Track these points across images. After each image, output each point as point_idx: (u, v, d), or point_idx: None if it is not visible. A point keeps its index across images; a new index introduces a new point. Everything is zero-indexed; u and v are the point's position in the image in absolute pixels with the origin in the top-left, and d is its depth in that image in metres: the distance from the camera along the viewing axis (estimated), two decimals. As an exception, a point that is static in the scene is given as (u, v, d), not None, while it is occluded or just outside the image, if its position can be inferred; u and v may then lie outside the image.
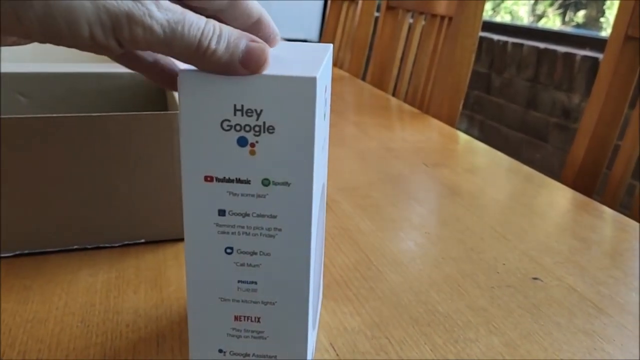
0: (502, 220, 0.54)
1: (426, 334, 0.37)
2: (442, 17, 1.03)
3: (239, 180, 0.26)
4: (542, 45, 1.69)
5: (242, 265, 0.28)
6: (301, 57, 0.29)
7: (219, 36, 0.24)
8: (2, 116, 0.40)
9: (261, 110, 0.25)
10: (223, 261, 0.28)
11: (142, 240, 0.46)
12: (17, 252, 0.43)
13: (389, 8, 1.25)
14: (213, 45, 0.24)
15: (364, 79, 1.49)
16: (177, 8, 0.23)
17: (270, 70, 0.25)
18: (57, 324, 0.36)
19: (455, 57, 0.91)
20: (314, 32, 3.14)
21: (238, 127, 0.25)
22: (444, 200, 0.59)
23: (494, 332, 0.37)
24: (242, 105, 0.25)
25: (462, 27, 0.91)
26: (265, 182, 0.26)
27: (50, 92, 0.57)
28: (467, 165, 0.70)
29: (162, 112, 0.44)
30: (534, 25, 2.20)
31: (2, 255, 0.43)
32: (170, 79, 0.30)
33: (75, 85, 0.57)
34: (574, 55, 1.55)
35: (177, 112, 0.44)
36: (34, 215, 0.43)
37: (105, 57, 0.75)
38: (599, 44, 1.61)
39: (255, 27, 0.28)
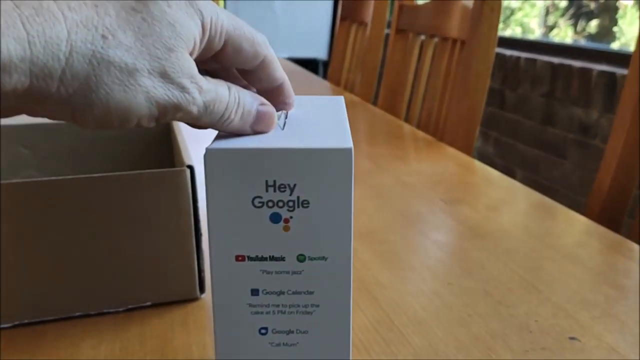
0: (530, 266, 0.51)
1: (457, 411, 0.34)
2: (454, 40, 1.01)
3: (272, 258, 0.25)
4: (556, 60, 1.66)
5: (278, 345, 0.27)
6: (323, 119, 0.28)
7: (238, 105, 0.25)
8: (2, 181, 0.38)
9: (294, 185, 0.24)
10: (257, 342, 0.26)
11: (149, 303, 0.44)
12: (16, 323, 0.41)
13: (399, 31, 1.23)
14: (232, 116, 0.25)
15: (375, 102, 1.47)
16: (212, 85, 0.24)
17: (301, 140, 0.24)
18: (56, 410, 0.33)
19: (470, 83, 0.89)
20: (322, 51, 3.13)
21: (270, 204, 0.24)
22: (466, 243, 0.55)
23: (531, 406, 0.34)
24: (275, 181, 0.24)
25: (475, 52, 0.88)
26: (301, 258, 0.25)
27: (53, 143, 0.55)
28: (488, 201, 0.67)
29: (167, 170, 0.41)
30: (545, 40, 2.17)
31: (1, 326, 0.41)
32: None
33: (79, 134, 0.55)
34: (590, 70, 1.52)
35: (182, 168, 0.42)
36: (34, 281, 0.40)
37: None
38: (615, 57, 1.57)
39: (276, 91, 0.28)
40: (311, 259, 0.25)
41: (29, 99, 0.20)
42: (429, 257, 0.52)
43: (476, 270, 0.50)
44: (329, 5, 3.02)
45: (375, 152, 0.85)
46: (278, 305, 0.26)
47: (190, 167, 0.42)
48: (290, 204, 0.24)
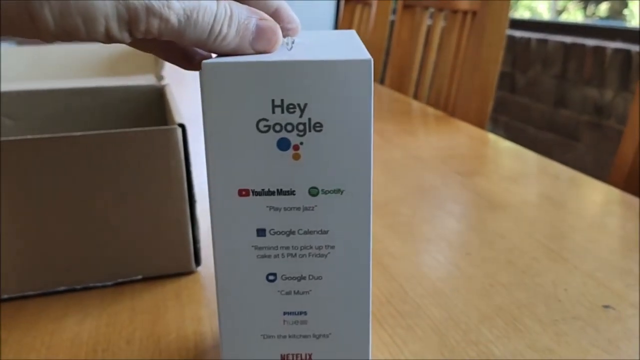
0: (555, 235, 0.47)
1: (482, 386, 0.30)
2: (465, 13, 0.96)
3: (280, 192, 0.22)
4: (568, 39, 1.61)
5: (288, 293, 0.23)
6: (335, 42, 0.24)
7: (230, 18, 0.21)
8: (-32, 141, 0.34)
9: (305, 105, 0.21)
10: (265, 291, 0.23)
11: (139, 277, 0.40)
12: (-6, 298, 0.37)
13: (406, 7, 1.18)
14: (225, 29, 0.21)
15: (382, 82, 1.42)
16: None
17: (313, 54, 0.21)
18: (32, 389, 0.30)
19: (482, 55, 0.84)
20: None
21: (278, 127, 0.21)
22: (485, 214, 0.51)
23: (566, 380, 0.30)
24: (282, 100, 0.21)
25: (488, 22, 0.84)
26: (313, 192, 0.22)
27: (38, 111, 0.51)
28: (505, 172, 0.62)
29: (157, 128, 0.37)
30: (555, 20, 2.12)
31: (-23, 302, 0.37)
32: (186, 55, 0.27)
33: (66, 102, 0.52)
34: (603, 48, 1.46)
35: (173, 126, 0.38)
36: (13, 253, 0.37)
37: (98, 72, 0.69)
38: (630, 34, 1.52)
39: (273, 17, 0.24)
40: (325, 192, 0.22)
41: None
42: (445, 229, 0.48)
43: (497, 241, 0.46)
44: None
45: (384, 127, 0.81)
46: (288, 248, 0.23)
47: (182, 126, 0.38)
48: (301, 127, 0.21)
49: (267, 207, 0.22)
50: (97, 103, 0.52)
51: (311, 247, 0.23)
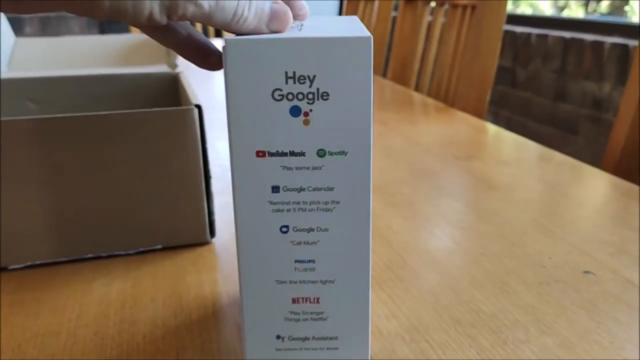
0: (545, 212, 0.50)
1: (471, 335, 0.33)
2: (464, 7, 1.00)
3: (292, 153, 0.25)
4: (567, 34, 1.63)
5: (299, 243, 0.26)
6: (339, 25, 0.27)
7: (250, 3, 0.24)
8: (7, 118, 0.38)
9: (314, 76, 0.24)
10: (278, 241, 0.26)
11: (159, 247, 0.43)
12: (28, 264, 0.41)
13: (408, 2, 1.22)
14: (246, 13, 0.24)
15: (384, 75, 1.46)
16: None
17: (320, 33, 0.24)
18: (69, 338, 0.33)
19: (481, 47, 0.87)
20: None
21: (290, 96, 0.24)
22: (480, 194, 0.55)
23: (546, 331, 0.34)
24: (294, 72, 0.24)
25: (486, 14, 0.87)
26: (321, 153, 0.25)
27: (60, 96, 0.55)
28: (501, 157, 0.66)
29: (176, 108, 0.41)
30: (556, 15, 2.14)
31: (12, 267, 0.41)
32: (202, 53, 0.30)
33: (85, 88, 0.55)
34: (602, 43, 1.49)
35: (190, 107, 0.42)
36: (45, 224, 0.40)
37: (111, 63, 0.73)
38: (628, 30, 1.55)
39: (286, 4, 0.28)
40: (331, 154, 0.25)
41: None
42: (442, 206, 0.52)
43: (490, 217, 0.49)
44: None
45: (386, 116, 0.85)
46: (299, 203, 0.26)
47: (198, 106, 0.42)
48: (310, 96, 0.24)
49: (281, 166, 0.25)
50: (115, 89, 0.56)
51: (319, 203, 0.26)
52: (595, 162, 1.48)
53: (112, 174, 0.41)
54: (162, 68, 0.58)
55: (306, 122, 0.24)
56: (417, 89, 1.16)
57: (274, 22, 0.25)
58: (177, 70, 0.56)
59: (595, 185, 0.57)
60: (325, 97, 0.24)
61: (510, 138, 0.75)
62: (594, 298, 0.37)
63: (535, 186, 0.56)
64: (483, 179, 0.59)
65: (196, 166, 0.42)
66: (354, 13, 1.56)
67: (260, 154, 0.25)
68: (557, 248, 0.44)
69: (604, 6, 2.22)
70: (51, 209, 0.40)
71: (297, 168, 0.25)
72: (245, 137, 0.25)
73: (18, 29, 2.63)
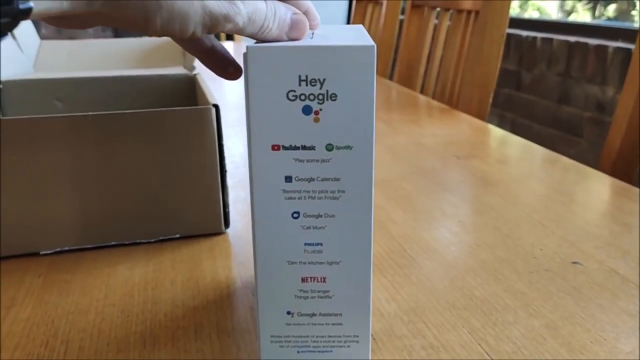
0: (539, 208, 0.53)
1: (463, 317, 0.36)
2: (469, 12, 1.03)
3: (304, 147, 0.28)
4: (572, 38, 1.66)
5: (309, 228, 0.29)
6: (347, 34, 0.31)
7: (274, 15, 0.28)
8: (40, 116, 0.41)
9: (324, 79, 0.27)
10: (290, 225, 0.29)
11: (177, 236, 0.47)
12: (57, 249, 0.44)
13: (415, 6, 1.25)
14: (270, 24, 0.28)
15: (391, 78, 1.49)
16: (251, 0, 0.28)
17: (330, 42, 0.27)
18: (97, 315, 0.37)
19: (484, 51, 0.90)
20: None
21: (303, 97, 0.27)
22: (477, 190, 0.58)
23: (533, 314, 0.37)
24: (307, 76, 0.27)
25: (489, 19, 0.90)
26: (329, 147, 0.28)
27: (85, 96, 0.58)
28: (500, 156, 0.69)
29: (194, 107, 0.44)
30: (563, 19, 2.17)
31: (44, 252, 0.44)
32: (222, 63, 0.34)
33: (109, 88, 0.59)
34: (606, 47, 1.52)
35: (208, 106, 0.45)
36: (73, 213, 0.44)
37: (131, 65, 0.76)
38: (632, 35, 1.57)
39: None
40: (338, 148, 0.28)
41: (113, 5, 0.24)
42: (441, 201, 0.55)
43: (486, 211, 0.53)
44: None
45: (391, 117, 0.88)
46: (309, 191, 0.29)
47: (216, 106, 0.45)
48: (320, 97, 0.27)
49: (294, 159, 0.28)
50: (135, 89, 0.59)
51: (326, 191, 0.29)
52: (599, 164, 1.51)
53: (135, 168, 0.44)
54: (179, 70, 0.61)
55: (316, 120, 0.28)
56: (423, 91, 1.19)
57: (294, 31, 0.29)
58: (194, 72, 0.60)
59: (590, 183, 0.60)
60: (333, 98, 0.27)
61: (510, 139, 0.78)
62: (580, 286, 0.40)
63: (531, 184, 0.59)
64: (482, 176, 0.62)
65: (213, 161, 0.46)
66: (363, 16, 1.59)
67: (276, 147, 0.28)
68: (548, 240, 0.47)
69: (611, 11, 2.24)
70: (78, 200, 0.44)
71: (307, 160, 0.28)
72: (263, 132, 0.28)
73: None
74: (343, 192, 0.29)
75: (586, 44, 1.59)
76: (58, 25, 0.26)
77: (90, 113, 0.43)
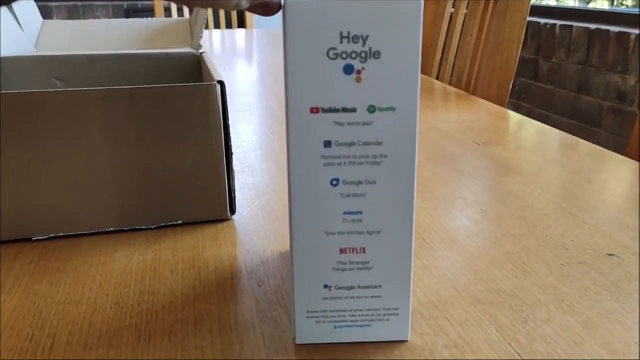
0: (566, 196, 0.50)
1: (490, 314, 0.33)
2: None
3: (345, 110, 0.26)
4: (592, 26, 1.61)
5: (348, 196, 0.27)
6: None
7: None
8: (31, 90, 0.38)
9: (367, 36, 0.25)
10: (329, 194, 0.27)
11: (180, 222, 0.44)
12: (51, 235, 0.42)
13: (431, -9, 1.20)
14: None
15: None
16: None
17: None
18: (90, 306, 0.34)
19: (505, 34, 0.86)
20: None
21: (344, 55, 0.25)
22: (500, 177, 0.54)
23: (568, 311, 0.33)
24: (349, 32, 0.25)
25: (510, 3, 0.86)
26: (371, 109, 0.26)
27: (86, 75, 0.55)
28: (521, 143, 0.65)
29: (198, 84, 0.41)
30: (582, 7, 2.11)
31: (37, 238, 0.41)
32: (266, 6, 0.32)
33: (110, 67, 0.56)
34: (628, 34, 1.47)
35: (213, 83, 0.42)
36: (68, 197, 0.41)
37: (136, 46, 0.73)
38: (655, 22, 1.51)
39: None
40: (381, 109, 0.26)
41: None
42: (462, 189, 0.51)
43: (510, 199, 0.49)
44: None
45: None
46: (349, 157, 0.27)
47: (221, 83, 0.42)
48: (363, 55, 0.25)
49: (334, 122, 0.26)
50: (139, 68, 0.56)
51: (368, 157, 0.27)
52: (620, 153, 1.46)
53: (135, 149, 0.41)
54: (186, 49, 0.58)
55: (358, 80, 0.25)
56: (439, 79, 1.15)
57: None
58: (201, 51, 0.56)
59: (618, 171, 0.56)
60: (377, 56, 0.25)
61: (532, 125, 0.74)
62: (618, 280, 0.36)
63: (556, 171, 0.56)
64: (503, 163, 0.58)
65: (218, 141, 0.43)
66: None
67: (315, 110, 0.26)
68: (579, 231, 0.43)
69: (630, 0, 2.18)
70: (74, 182, 0.41)
71: (348, 124, 0.26)
72: (301, 94, 0.26)
73: (46, 17, 2.67)
74: (385, 157, 0.27)
75: (607, 32, 1.54)
76: None
77: (89, 89, 0.40)
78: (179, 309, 0.34)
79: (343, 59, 0.25)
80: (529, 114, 1.89)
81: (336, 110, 0.26)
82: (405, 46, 0.25)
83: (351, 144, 0.26)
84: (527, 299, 0.34)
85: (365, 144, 0.26)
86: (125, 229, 0.43)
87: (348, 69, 0.25)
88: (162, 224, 0.43)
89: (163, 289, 0.36)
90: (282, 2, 0.25)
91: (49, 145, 0.39)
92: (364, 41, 0.25)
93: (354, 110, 0.26)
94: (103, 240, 0.42)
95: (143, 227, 0.43)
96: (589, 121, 1.62)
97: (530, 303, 0.34)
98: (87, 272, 0.37)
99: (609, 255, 0.40)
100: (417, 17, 0.25)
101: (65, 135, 0.40)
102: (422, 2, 0.25)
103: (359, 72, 0.25)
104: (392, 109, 0.26)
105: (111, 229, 0.43)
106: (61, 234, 0.42)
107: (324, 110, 0.26)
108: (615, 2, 2.22)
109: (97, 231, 0.42)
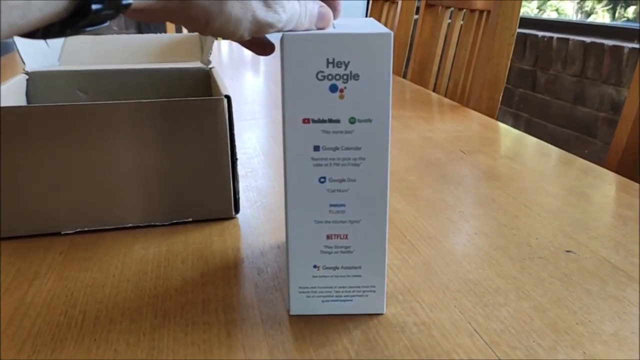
0: (538, 200, 0.55)
1: (456, 298, 0.38)
2: (481, 12, 1.04)
3: (330, 120, 0.32)
4: (588, 39, 1.66)
5: (333, 191, 0.33)
6: (364, 24, 0.35)
7: (306, 11, 0.32)
8: (62, 103, 0.44)
9: (348, 62, 0.31)
10: (317, 189, 0.33)
11: (190, 219, 0.49)
12: (77, 230, 0.47)
13: (429, 6, 1.26)
14: (303, 20, 0.32)
15: (404, 77, 1.51)
16: (289, 4, 0.31)
17: (353, 30, 0.31)
18: (113, 289, 0.40)
19: (494, 50, 0.92)
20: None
21: (330, 77, 0.31)
22: (480, 183, 0.60)
23: (523, 297, 0.39)
24: (334, 59, 0.31)
25: (500, 20, 0.92)
26: (352, 120, 0.32)
27: (107, 87, 0.61)
28: (505, 152, 0.71)
29: (207, 97, 0.47)
30: (579, 20, 2.16)
31: (65, 232, 0.47)
32: (261, 45, 0.37)
33: (129, 81, 0.62)
34: (621, 48, 1.52)
35: (220, 97, 0.47)
36: (93, 197, 0.47)
37: (151, 59, 0.79)
38: (648, 35, 1.57)
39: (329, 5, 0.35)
40: (360, 121, 0.32)
41: (184, 5, 0.27)
42: (444, 193, 0.57)
43: (487, 203, 0.54)
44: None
45: (402, 114, 0.90)
46: (334, 159, 0.33)
47: (228, 97, 0.47)
48: (345, 77, 0.31)
49: (321, 130, 0.32)
50: (154, 81, 0.62)
51: (349, 159, 0.33)
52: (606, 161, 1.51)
53: (151, 155, 0.47)
54: (196, 64, 0.64)
55: (341, 97, 0.32)
56: (435, 89, 1.21)
57: (321, 22, 0.33)
58: (210, 66, 0.62)
59: (593, 179, 0.62)
60: (356, 78, 0.31)
61: (517, 135, 0.79)
62: (571, 272, 0.42)
63: (533, 178, 0.61)
64: (485, 170, 0.63)
65: (224, 149, 0.48)
66: (379, 15, 1.61)
67: (306, 121, 0.32)
68: (545, 231, 0.48)
69: (631, 12, 2.23)
70: (98, 183, 0.47)
71: (333, 132, 0.32)
72: (295, 108, 0.32)
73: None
74: (363, 159, 0.33)
75: (602, 45, 1.59)
76: (132, 17, 0.29)
77: (110, 102, 0.45)
78: (189, 291, 0.39)
79: (329, 79, 0.31)
80: (528, 124, 1.95)
81: (323, 121, 0.32)
82: (379, 70, 0.31)
83: (336, 149, 0.32)
84: (489, 287, 0.40)
85: (347, 148, 0.32)
86: (142, 225, 0.49)
87: (333, 88, 0.31)
88: (175, 221, 0.49)
89: (175, 275, 0.41)
90: (281, 37, 0.31)
91: (75, 153, 0.45)
92: (346, 66, 0.31)
93: (337, 121, 0.32)
94: (123, 234, 0.47)
95: (158, 224, 0.49)
96: (585, 131, 1.67)
97: (491, 290, 0.39)
98: (110, 261, 0.43)
99: (567, 251, 0.45)
100: (388, 46, 0.31)
101: (90, 143, 0.45)
102: (392, 35, 0.31)
103: (341, 91, 0.31)
104: (369, 120, 0.32)
105: (130, 224, 0.48)
106: (86, 229, 0.48)
107: (314, 121, 0.32)
108: (617, 14, 2.27)
109: (117, 226, 0.48)
